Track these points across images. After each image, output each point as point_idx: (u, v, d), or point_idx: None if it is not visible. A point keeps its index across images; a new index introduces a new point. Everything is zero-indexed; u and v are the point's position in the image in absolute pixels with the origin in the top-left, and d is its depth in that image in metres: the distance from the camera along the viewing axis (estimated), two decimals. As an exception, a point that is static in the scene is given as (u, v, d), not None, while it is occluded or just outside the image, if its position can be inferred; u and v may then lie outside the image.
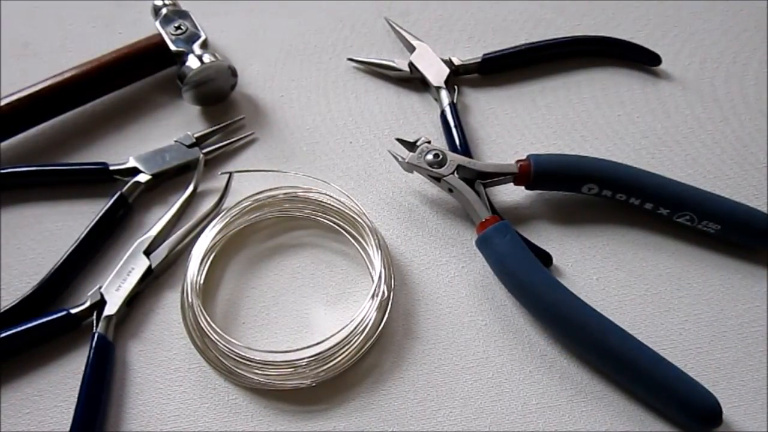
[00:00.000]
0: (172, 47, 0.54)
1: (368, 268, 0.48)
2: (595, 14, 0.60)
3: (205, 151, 0.53)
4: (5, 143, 0.53)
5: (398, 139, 0.50)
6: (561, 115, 0.55)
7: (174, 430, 0.43)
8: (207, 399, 0.44)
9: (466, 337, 0.46)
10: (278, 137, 0.55)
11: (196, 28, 0.55)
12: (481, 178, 0.48)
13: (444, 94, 0.54)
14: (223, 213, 0.49)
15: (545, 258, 0.48)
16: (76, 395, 0.42)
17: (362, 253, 0.48)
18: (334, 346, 0.43)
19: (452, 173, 0.48)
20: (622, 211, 0.50)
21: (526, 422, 0.43)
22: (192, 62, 0.52)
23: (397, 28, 0.59)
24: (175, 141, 0.53)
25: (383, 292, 0.45)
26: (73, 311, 0.45)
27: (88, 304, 0.45)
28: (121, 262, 0.47)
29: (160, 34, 0.55)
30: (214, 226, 0.48)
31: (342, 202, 0.49)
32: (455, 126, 0.53)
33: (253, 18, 0.61)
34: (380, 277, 0.45)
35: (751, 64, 0.57)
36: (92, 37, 0.61)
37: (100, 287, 0.46)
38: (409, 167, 0.49)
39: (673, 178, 0.49)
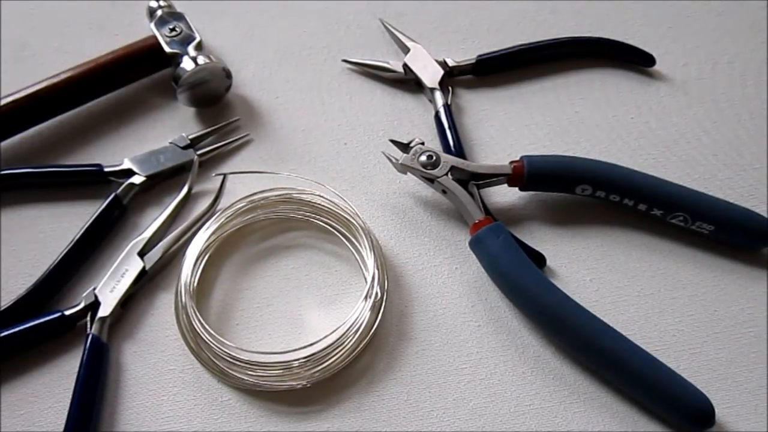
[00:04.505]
0: (167, 49, 0.54)
1: (362, 269, 0.48)
2: (590, 15, 0.60)
3: (199, 152, 0.53)
4: (1, 144, 0.54)
5: (392, 141, 0.50)
6: (555, 116, 0.55)
7: (167, 431, 0.43)
8: (200, 400, 0.44)
9: (459, 338, 0.46)
10: (273, 139, 0.55)
11: (191, 29, 0.55)
12: (474, 179, 0.48)
13: (438, 96, 0.54)
14: (217, 214, 0.49)
15: (539, 259, 0.48)
16: (70, 396, 0.42)
17: (356, 254, 0.48)
18: (328, 347, 0.43)
19: (446, 174, 0.48)
20: (615, 212, 0.50)
21: (519, 423, 0.43)
22: (187, 64, 0.53)
23: (392, 29, 0.59)
24: (170, 142, 0.53)
25: (377, 293, 0.45)
26: (67, 313, 0.45)
27: (82, 305, 0.46)
28: (116, 264, 0.47)
29: (155, 36, 0.55)
30: (208, 228, 0.48)
31: (336, 204, 0.49)
32: (449, 127, 0.53)
33: (248, 20, 0.62)
34: (374, 278, 0.45)
35: (748, 65, 0.57)
36: (88, 39, 0.61)
37: (94, 288, 0.46)
38: (403, 168, 0.49)
39: (668, 179, 0.49)
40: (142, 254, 0.48)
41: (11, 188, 0.52)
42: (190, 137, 0.53)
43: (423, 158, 0.48)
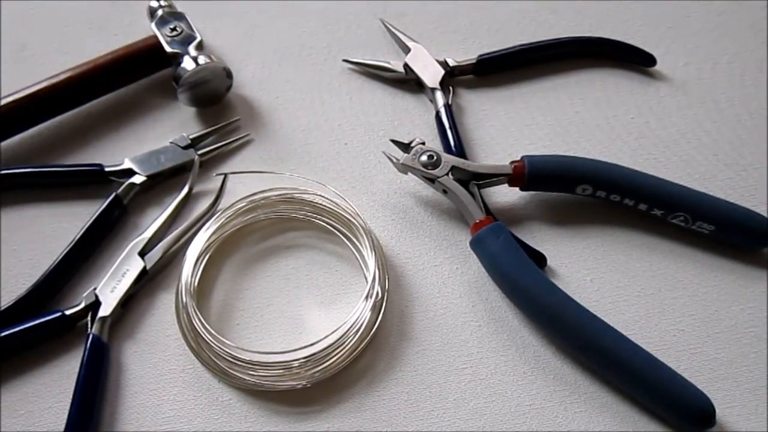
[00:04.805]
0: (168, 49, 0.54)
1: (362, 269, 0.48)
2: (590, 15, 0.60)
3: (200, 152, 0.53)
4: (1, 144, 0.54)
5: (393, 140, 0.50)
6: (556, 116, 0.55)
7: (168, 430, 0.43)
8: (201, 400, 0.44)
9: (460, 338, 0.46)
10: (273, 138, 0.55)
11: (192, 29, 0.55)
12: (475, 179, 0.48)
13: (439, 96, 0.54)
14: (217, 214, 0.49)
15: (539, 259, 0.48)
16: (71, 396, 0.42)
17: (356, 254, 0.48)
18: (328, 347, 0.43)
19: (446, 174, 0.48)
20: (616, 212, 0.50)
21: (520, 423, 0.43)
22: (187, 64, 0.53)
23: (392, 29, 0.59)
24: (171, 142, 0.53)
25: (377, 293, 0.45)
26: (67, 312, 0.45)
27: (82, 305, 0.46)
28: (116, 264, 0.47)
29: (155, 36, 0.55)
30: (208, 228, 0.48)
31: (336, 204, 0.49)
32: (450, 127, 0.53)
33: (249, 19, 0.62)
34: (374, 278, 0.45)
35: (748, 65, 0.57)
36: (88, 39, 0.61)
37: (94, 288, 0.46)
38: (404, 168, 0.49)
39: (668, 179, 0.49)
40: (142, 254, 0.48)
41: (11, 188, 0.52)
42: (191, 137, 0.53)
43: (424, 158, 0.48)
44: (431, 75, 0.55)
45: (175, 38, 0.55)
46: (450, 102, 0.54)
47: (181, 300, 0.46)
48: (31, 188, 0.53)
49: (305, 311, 0.47)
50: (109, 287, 0.46)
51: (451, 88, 0.56)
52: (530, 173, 0.48)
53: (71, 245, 0.48)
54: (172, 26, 0.55)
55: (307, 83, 0.58)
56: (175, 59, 0.54)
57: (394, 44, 0.59)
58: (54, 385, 0.45)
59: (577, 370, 0.44)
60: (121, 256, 0.48)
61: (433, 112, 0.55)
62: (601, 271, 0.48)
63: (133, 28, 0.60)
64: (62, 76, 0.53)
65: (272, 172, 0.51)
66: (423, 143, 0.49)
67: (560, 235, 0.50)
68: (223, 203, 0.50)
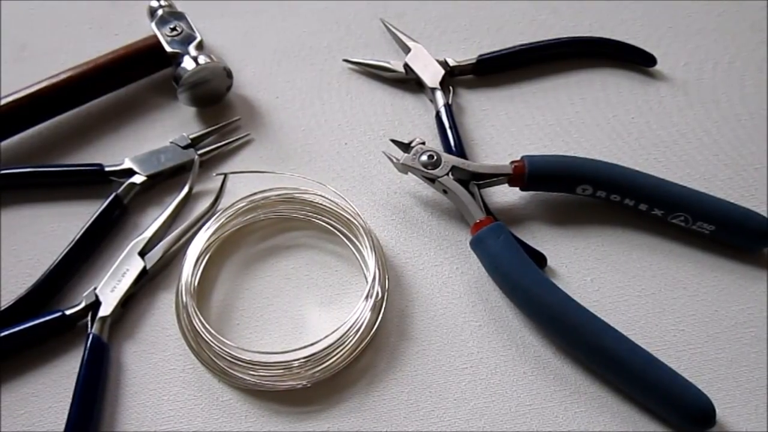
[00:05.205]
0: (168, 48, 0.54)
1: (362, 269, 0.48)
2: (591, 15, 0.60)
3: (200, 152, 0.53)
4: (1, 144, 0.54)
5: (393, 140, 0.50)
6: (556, 116, 0.55)
7: (168, 430, 0.43)
8: (201, 400, 0.44)
9: (460, 338, 0.46)
10: (273, 138, 0.55)
11: (192, 29, 0.55)
12: (475, 179, 0.48)
13: (439, 95, 0.54)
14: (218, 214, 0.49)
15: (539, 259, 0.48)
16: (71, 396, 0.42)
17: (356, 254, 0.48)
18: (329, 347, 0.43)
19: (447, 174, 0.48)
20: (616, 212, 0.50)
21: (520, 423, 0.43)
22: (187, 63, 0.53)
23: (393, 29, 0.59)
24: (171, 142, 0.53)
25: (377, 293, 0.45)
26: (68, 312, 0.45)
27: (82, 305, 0.46)
28: (116, 263, 0.47)
29: (155, 36, 0.55)
30: (209, 227, 0.48)
31: (337, 204, 0.49)
32: (450, 127, 0.53)
33: (249, 19, 0.62)
34: (374, 278, 0.45)
35: (748, 65, 0.57)
36: (88, 39, 0.61)
37: (95, 288, 0.46)
38: (404, 168, 0.49)
39: (669, 179, 0.49)
40: (142, 254, 0.48)
41: (12, 188, 0.52)
42: (191, 137, 0.53)
43: (424, 158, 0.48)
44: (431, 75, 0.55)
45: (175, 38, 0.55)
46: (450, 102, 0.54)
47: (181, 300, 0.46)
48: (31, 188, 0.53)
49: (305, 311, 0.47)
50: (109, 287, 0.46)
51: (451, 88, 0.56)
52: (530, 173, 0.48)
53: (71, 245, 0.48)
54: (172, 26, 0.55)
55: (307, 83, 0.58)
56: (175, 59, 0.54)
57: (394, 44, 0.59)
58: (54, 385, 0.45)
59: (577, 370, 0.44)
60: (121, 256, 0.48)
61: (433, 112, 0.55)
62: (601, 271, 0.48)
63: (133, 28, 0.60)
64: (62, 76, 0.53)
65: (272, 172, 0.51)
66: (423, 143, 0.49)
67: (560, 235, 0.50)
68: (223, 203, 0.50)
